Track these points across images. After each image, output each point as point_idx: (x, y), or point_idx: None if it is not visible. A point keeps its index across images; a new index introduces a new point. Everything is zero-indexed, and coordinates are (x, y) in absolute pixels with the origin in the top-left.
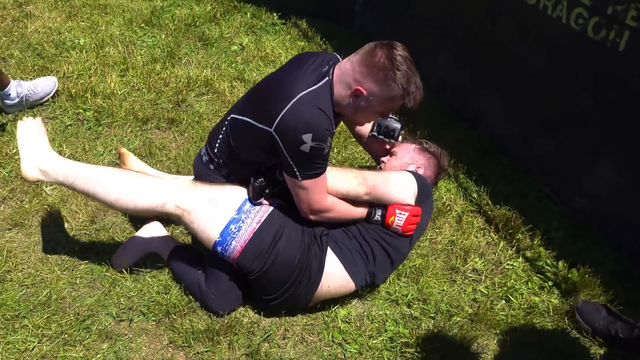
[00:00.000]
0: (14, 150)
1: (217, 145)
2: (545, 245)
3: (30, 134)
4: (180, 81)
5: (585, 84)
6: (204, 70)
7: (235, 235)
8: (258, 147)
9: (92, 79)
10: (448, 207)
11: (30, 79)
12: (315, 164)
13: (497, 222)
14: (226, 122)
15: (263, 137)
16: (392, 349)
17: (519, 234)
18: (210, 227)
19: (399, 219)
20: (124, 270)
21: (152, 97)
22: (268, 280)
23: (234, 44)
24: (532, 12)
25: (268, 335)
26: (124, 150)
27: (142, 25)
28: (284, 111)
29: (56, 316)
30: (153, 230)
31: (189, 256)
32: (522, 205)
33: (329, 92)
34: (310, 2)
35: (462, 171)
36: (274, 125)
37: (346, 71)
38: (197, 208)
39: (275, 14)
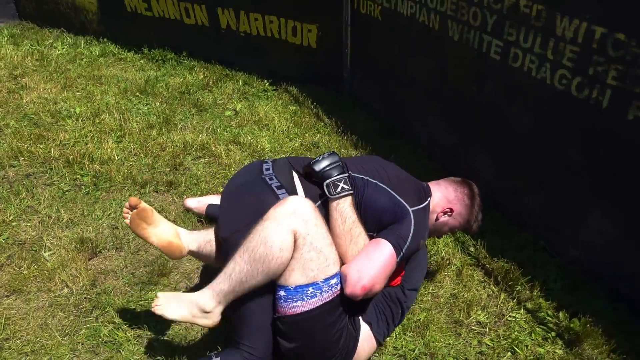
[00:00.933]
0: (11, 217)
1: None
2: (545, 296)
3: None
4: (177, 145)
5: (572, 140)
6: (200, 135)
7: (306, 299)
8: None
9: (89, 145)
10: (447, 261)
11: (27, 147)
12: (406, 251)
13: (496, 274)
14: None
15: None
16: None
17: (519, 286)
18: (299, 271)
19: None
20: (128, 335)
21: (149, 161)
22: (304, 356)
23: (228, 110)
24: (517, 74)
25: None
26: (144, 204)
27: (137, 94)
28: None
29: None
30: None
31: None
32: (520, 258)
33: None
34: (299, 69)
35: None
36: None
37: (442, 193)
38: (312, 242)
39: (266, 81)
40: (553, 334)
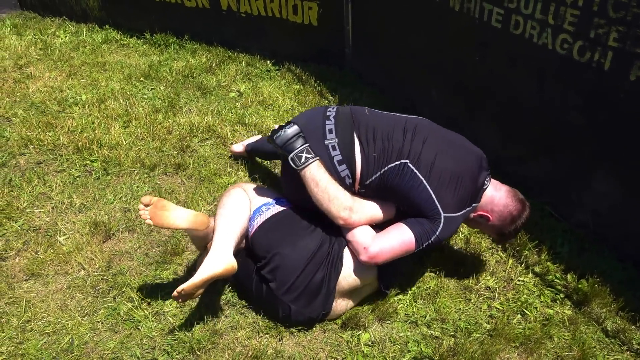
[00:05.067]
0: (25, 204)
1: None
2: (553, 259)
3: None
4: (183, 128)
5: (575, 104)
6: (205, 117)
7: (262, 214)
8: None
9: (97, 131)
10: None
11: (36, 135)
12: (425, 246)
13: None
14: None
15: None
16: None
17: (526, 251)
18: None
19: None
20: (146, 313)
21: (157, 145)
22: (285, 266)
23: (232, 91)
24: (519, 41)
25: None
26: (156, 197)
27: (141, 79)
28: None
29: None
30: None
31: None
32: (527, 224)
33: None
34: (301, 47)
35: None
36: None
37: (493, 198)
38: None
39: (269, 61)
40: (562, 295)
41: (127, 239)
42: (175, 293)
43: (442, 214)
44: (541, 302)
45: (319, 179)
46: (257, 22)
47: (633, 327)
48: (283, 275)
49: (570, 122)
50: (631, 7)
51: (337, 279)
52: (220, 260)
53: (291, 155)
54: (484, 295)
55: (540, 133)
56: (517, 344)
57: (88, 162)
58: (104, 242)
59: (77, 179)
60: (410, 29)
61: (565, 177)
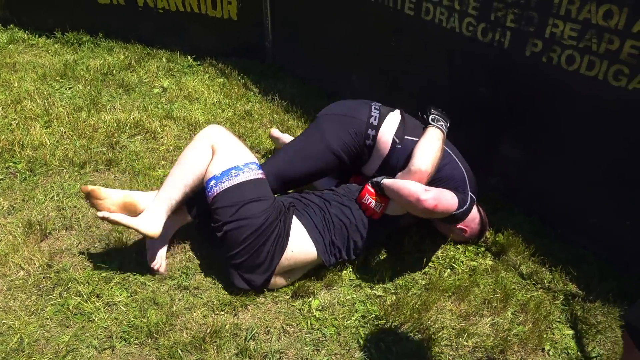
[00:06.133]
0: None
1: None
2: None
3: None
4: (110, 125)
5: (481, 80)
6: (132, 113)
7: (231, 178)
8: None
9: (15, 133)
10: None
11: None
12: (464, 206)
13: None
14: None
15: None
16: (366, 325)
17: None
18: (221, 162)
19: (368, 199)
20: (97, 305)
21: (83, 143)
22: (234, 235)
23: (155, 87)
24: (430, 25)
25: (252, 334)
26: (91, 187)
27: (57, 78)
28: None
29: (33, 358)
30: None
31: None
32: None
33: None
34: (222, 42)
35: None
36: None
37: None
38: (223, 143)
39: (189, 57)
40: (482, 248)
41: (66, 237)
42: (95, 203)
43: (470, 193)
44: (466, 256)
45: (440, 138)
46: (176, 17)
47: (543, 269)
48: (230, 242)
49: (479, 97)
50: None
51: (280, 256)
52: (149, 224)
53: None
54: (416, 256)
55: (452, 106)
56: (450, 294)
57: (11, 164)
58: (41, 242)
59: (1, 182)
60: (329, 19)
61: (477, 146)
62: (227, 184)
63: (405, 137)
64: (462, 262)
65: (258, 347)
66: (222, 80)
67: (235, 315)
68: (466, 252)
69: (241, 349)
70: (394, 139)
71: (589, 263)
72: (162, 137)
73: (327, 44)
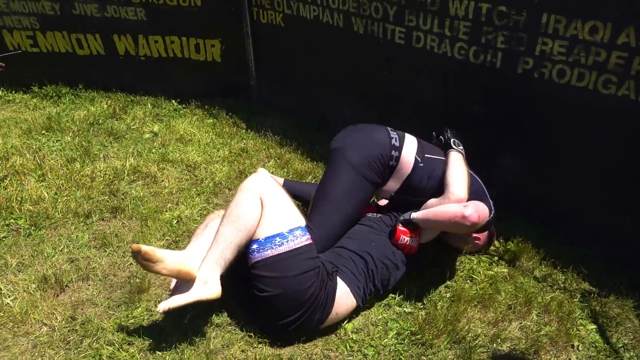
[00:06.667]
0: None
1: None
2: None
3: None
4: (107, 174)
5: (476, 99)
6: (127, 160)
7: (274, 247)
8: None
9: (9, 190)
10: None
11: None
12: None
13: None
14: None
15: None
16: (403, 342)
17: None
18: (267, 225)
19: (403, 240)
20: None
21: (83, 193)
22: (276, 305)
23: (146, 133)
24: (421, 52)
25: None
26: (145, 248)
27: (43, 132)
28: None
29: None
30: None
31: None
32: None
33: None
34: (207, 84)
35: None
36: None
37: None
38: (270, 199)
39: (174, 101)
40: (496, 258)
41: (84, 288)
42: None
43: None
44: (482, 267)
45: (463, 161)
46: (159, 63)
47: (555, 270)
48: (270, 310)
49: (474, 114)
50: (511, 15)
51: (325, 320)
52: (211, 290)
53: (452, 141)
54: (435, 270)
55: (450, 127)
56: (475, 303)
57: (11, 221)
58: (58, 296)
59: (4, 239)
60: (317, 55)
61: (475, 160)
62: (269, 253)
63: (426, 155)
64: (480, 272)
65: None
66: (211, 120)
67: (273, 346)
68: (481, 263)
69: None
70: (416, 158)
71: (596, 261)
72: (162, 181)
73: (316, 77)
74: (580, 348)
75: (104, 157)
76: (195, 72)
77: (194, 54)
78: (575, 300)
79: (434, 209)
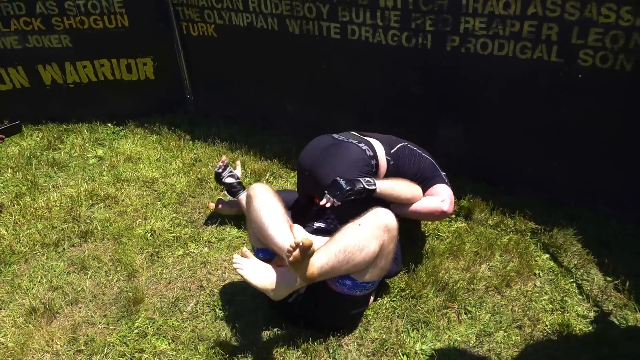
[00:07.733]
0: None
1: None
2: None
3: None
4: (62, 202)
5: (413, 79)
6: (80, 186)
7: (364, 291)
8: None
9: None
10: None
11: None
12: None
13: None
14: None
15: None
16: (395, 298)
17: None
18: (372, 272)
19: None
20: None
21: (44, 224)
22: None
23: (90, 158)
24: (357, 44)
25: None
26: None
27: None
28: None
29: None
30: None
31: None
32: None
33: None
34: (142, 103)
35: None
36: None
37: None
38: (388, 257)
39: (110, 124)
40: (454, 215)
41: (75, 311)
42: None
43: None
44: (444, 225)
45: (393, 185)
46: (89, 89)
47: (505, 217)
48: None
49: (413, 93)
50: (436, 0)
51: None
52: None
53: (361, 196)
54: (405, 236)
55: (391, 108)
56: (447, 255)
57: None
58: (51, 324)
59: None
60: (253, 60)
61: (419, 134)
62: (360, 293)
63: (392, 152)
64: (443, 229)
65: (320, 347)
66: (155, 137)
67: (286, 328)
68: (442, 222)
69: (303, 350)
70: (387, 159)
71: (536, 204)
72: (123, 200)
73: (254, 82)
74: (541, 274)
75: (53, 187)
76: (129, 92)
77: (126, 74)
78: (527, 237)
79: (417, 205)
